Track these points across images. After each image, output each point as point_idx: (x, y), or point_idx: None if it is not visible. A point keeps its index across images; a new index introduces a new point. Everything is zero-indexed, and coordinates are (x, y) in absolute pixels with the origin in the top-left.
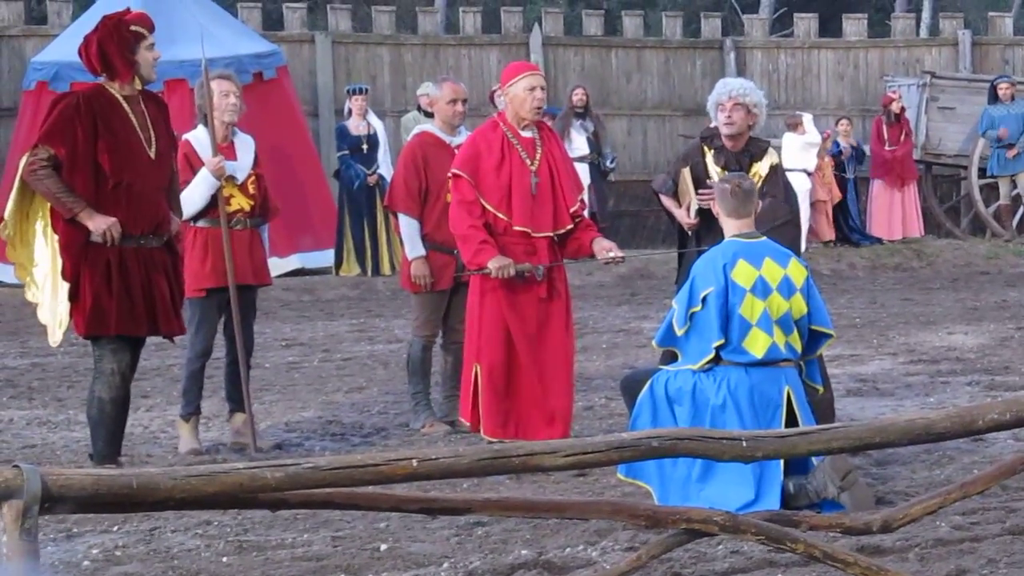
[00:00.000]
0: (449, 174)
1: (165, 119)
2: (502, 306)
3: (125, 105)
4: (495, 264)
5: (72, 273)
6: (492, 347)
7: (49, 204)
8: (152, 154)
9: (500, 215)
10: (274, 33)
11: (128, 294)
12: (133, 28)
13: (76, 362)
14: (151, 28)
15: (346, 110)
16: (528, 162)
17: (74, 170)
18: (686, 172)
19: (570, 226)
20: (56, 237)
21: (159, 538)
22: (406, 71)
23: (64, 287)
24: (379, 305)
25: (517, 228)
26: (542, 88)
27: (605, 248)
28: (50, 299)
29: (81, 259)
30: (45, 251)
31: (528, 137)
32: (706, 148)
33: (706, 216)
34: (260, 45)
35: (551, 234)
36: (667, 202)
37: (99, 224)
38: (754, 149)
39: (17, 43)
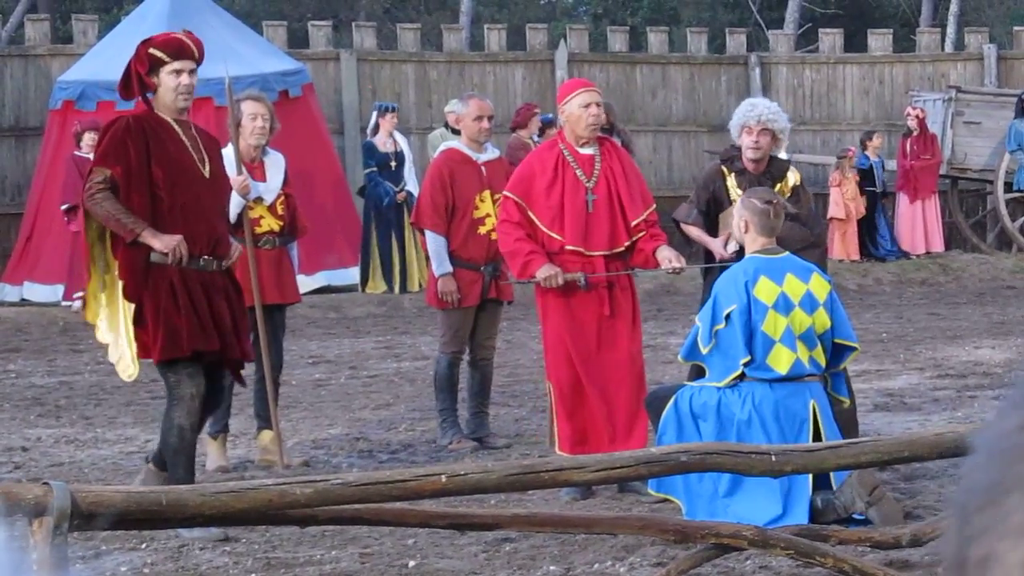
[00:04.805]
0: (503, 193)
1: (217, 149)
2: (562, 325)
3: (176, 127)
4: (542, 273)
5: (134, 295)
6: (559, 366)
7: (108, 231)
8: (206, 173)
9: (553, 235)
10: (299, 51)
11: (195, 311)
12: (152, 51)
13: (103, 380)
14: (178, 54)
15: (371, 127)
16: (584, 179)
17: (131, 189)
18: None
19: (627, 243)
20: (115, 264)
21: (187, 555)
22: (431, 88)
23: (129, 316)
24: (405, 322)
25: (569, 248)
26: (597, 104)
27: (666, 258)
28: (112, 334)
29: (143, 283)
30: (99, 288)
31: (586, 154)
32: (726, 171)
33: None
34: (285, 63)
35: (607, 252)
36: (694, 231)
37: (167, 243)
38: (775, 170)
39: (43, 62)
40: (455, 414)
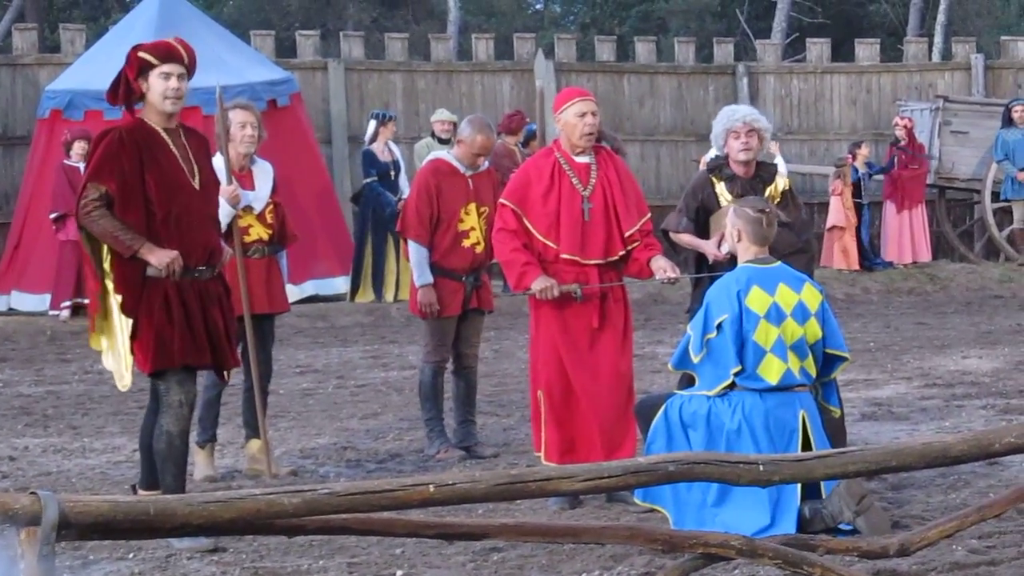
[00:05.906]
0: (499, 202)
1: (207, 152)
2: (555, 333)
3: (166, 137)
4: (538, 285)
5: (132, 309)
6: (549, 374)
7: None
8: (196, 184)
9: (548, 243)
10: (287, 60)
11: (189, 325)
12: (141, 55)
13: (91, 390)
14: (167, 58)
15: (369, 136)
16: (580, 187)
17: (126, 204)
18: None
19: (622, 252)
20: (111, 275)
21: (175, 565)
22: (419, 97)
23: (124, 328)
24: (393, 331)
25: (564, 256)
26: (593, 114)
27: (660, 268)
28: (110, 343)
29: (140, 297)
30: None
31: (583, 162)
32: (715, 179)
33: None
34: (273, 72)
35: (602, 261)
36: (685, 238)
37: (162, 258)
38: (765, 174)
39: (31, 71)
40: (442, 423)
